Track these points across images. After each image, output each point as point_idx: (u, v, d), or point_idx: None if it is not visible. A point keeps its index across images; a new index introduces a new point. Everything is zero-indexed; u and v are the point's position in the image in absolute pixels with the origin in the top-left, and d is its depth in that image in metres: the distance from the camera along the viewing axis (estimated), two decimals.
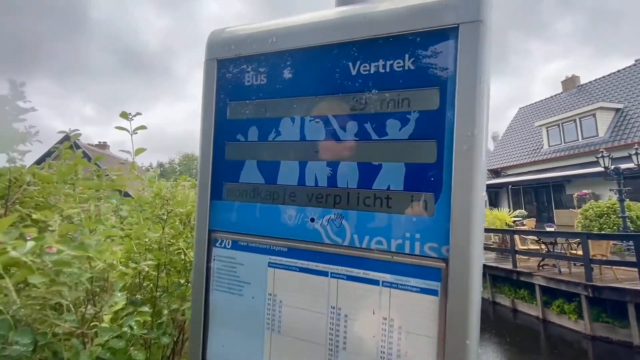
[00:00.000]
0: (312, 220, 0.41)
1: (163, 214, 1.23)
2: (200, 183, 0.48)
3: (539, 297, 7.01)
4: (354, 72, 0.40)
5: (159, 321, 0.87)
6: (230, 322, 0.46)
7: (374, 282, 0.37)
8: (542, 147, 14.80)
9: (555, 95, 16.59)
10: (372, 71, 0.39)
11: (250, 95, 0.47)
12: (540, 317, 6.93)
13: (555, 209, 14.22)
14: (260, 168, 0.45)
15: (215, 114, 0.48)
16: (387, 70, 0.38)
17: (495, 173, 18.02)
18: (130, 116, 1.35)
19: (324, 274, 0.40)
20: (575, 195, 10.41)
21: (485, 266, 8.68)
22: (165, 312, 0.87)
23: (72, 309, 0.65)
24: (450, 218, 0.34)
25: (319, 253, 0.40)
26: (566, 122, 13.84)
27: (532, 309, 7.28)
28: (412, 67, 0.37)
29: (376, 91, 0.39)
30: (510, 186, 16.69)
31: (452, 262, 0.34)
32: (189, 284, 1.00)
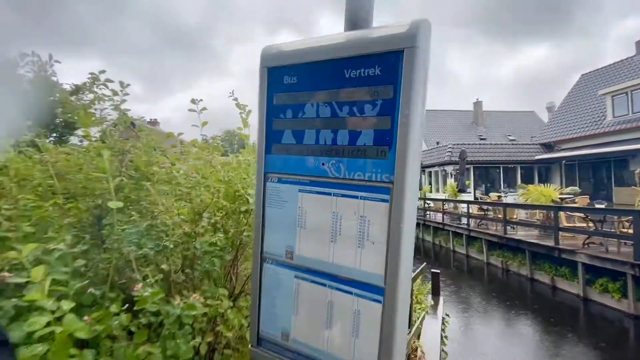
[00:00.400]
0: (323, 164, 0.71)
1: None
2: (259, 143, 0.80)
3: (581, 275, 6.80)
4: (347, 76, 0.67)
5: (225, 245, 1.28)
6: (277, 225, 0.79)
7: (356, 197, 0.67)
8: (604, 119, 13.33)
9: (626, 59, 14.50)
10: (357, 75, 0.66)
11: (287, 89, 0.76)
12: (581, 295, 6.76)
13: (615, 186, 12.97)
14: (293, 134, 0.76)
15: (267, 102, 0.79)
16: (365, 75, 0.65)
17: (548, 147, 16.60)
18: (197, 101, 1.71)
19: (329, 194, 0.71)
20: (637, 171, 9.47)
21: (525, 242, 8.39)
22: (232, 231, 1.26)
23: (180, 226, 1.05)
24: (395, 160, 0.62)
25: (326, 183, 0.71)
26: (637, 89, 12.22)
27: (572, 287, 7.09)
28: (379, 73, 0.64)
29: (359, 87, 0.66)
30: (564, 161, 15.38)
31: (395, 184, 0.62)
32: (239, 223, 1.39)
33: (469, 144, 19.67)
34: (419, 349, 3.71)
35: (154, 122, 28.61)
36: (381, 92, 0.63)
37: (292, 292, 0.76)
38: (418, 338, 3.98)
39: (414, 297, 3.47)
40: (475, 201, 12.69)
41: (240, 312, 1.12)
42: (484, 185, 18.84)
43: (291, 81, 0.75)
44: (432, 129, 27.74)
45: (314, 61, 0.71)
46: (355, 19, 0.75)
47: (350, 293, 0.68)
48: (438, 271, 5.63)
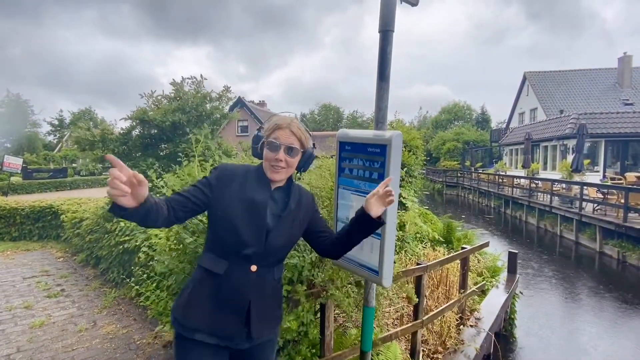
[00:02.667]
0: (359, 183, 1.75)
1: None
2: (335, 171, 1.88)
3: None
4: (369, 149, 1.68)
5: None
6: (342, 205, 1.88)
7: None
8: None
9: None
10: (373, 149, 1.65)
11: (347, 151, 1.80)
12: None
13: None
14: (349, 170, 1.81)
15: (339, 156, 1.85)
16: (375, 150, 1.63)
17: None
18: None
19: (363, 195, 1.75)
20: None
21: None
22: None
23: None
24: (385, 162, 1.61)
25: (361, 191, 1.75)
26: None
27: None
28: (379, 150, 1.61)
29: (373, 154, 1.65)
30: None
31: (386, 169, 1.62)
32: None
33: (603, 113, 16.35)
34: (476, 312, 4.41)
35: (262, 104, 32.06)
36: (380, 157, 1.61)
37: None
38: (479, 302, 4.64)
39: (468, 266, 4.15)
40: (589, 183, 11.05)
41: None
42: (619, 164, 15.66)
43: (348, 147, 1.79)
44: (558, 94, 23.42)
45: (359, 142, 1.73)
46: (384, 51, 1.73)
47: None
48: (516, 251, 5.87)
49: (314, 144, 1.37)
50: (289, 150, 1.23)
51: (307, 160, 1.32)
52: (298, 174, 1.39)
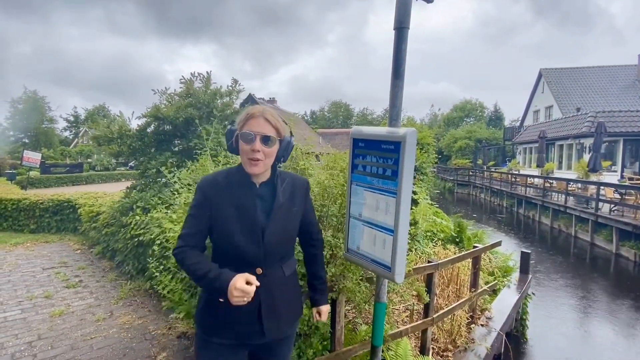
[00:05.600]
0: (373, 180, 1.76)
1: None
2: (349, 168, 1.89)
3: None
4: (383, 146, 1.69)
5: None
6: (355, 203, 1.89)
7: (384, 194, 1.70)
8: None
9: None
10: (387, 146, 1.66)
11: (360, 147, 1.82)
12: None
13: None
14: (362, 166, 1.82)
15: (352, 152, 1.86)
16: (389, 147, 1.64)
17: None
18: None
19: (375, 192, 1.76)
20: None
21: None
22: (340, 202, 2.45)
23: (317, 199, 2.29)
24: (397, 181, 1.62)
25: (374, 188, 1.76)
26: None
27: None
28: (393, 147, 1.62)
29: (387, 151, 1.66)
30: None
31: (398, 190, 1.63)
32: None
33: (622, 112, 15.85)
34: (487, 311, 4.37)
35: (272, 101, 32.18)
36: (394, 154, 1.61)
37: (361, 230, 1.85)
38: (490, 302, 4.59)
39: (480, 265, 4.11)
40: (606, 183, 10.74)
41: (340, 240, 2.30)
42: (637, 163, 15.18)
43: (362, 144, 1.80)
44: (575, 91, 22.80)
45: (372, 139, 1.74)
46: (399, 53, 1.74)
47: (382, 231, 1.72)
48: (528, 251, 5.78)
49: (291, 132, 1.33)
50: (265, 139, 1.18)
51: (285, 149, 1.27)
52: (280, 165, 1.34)
